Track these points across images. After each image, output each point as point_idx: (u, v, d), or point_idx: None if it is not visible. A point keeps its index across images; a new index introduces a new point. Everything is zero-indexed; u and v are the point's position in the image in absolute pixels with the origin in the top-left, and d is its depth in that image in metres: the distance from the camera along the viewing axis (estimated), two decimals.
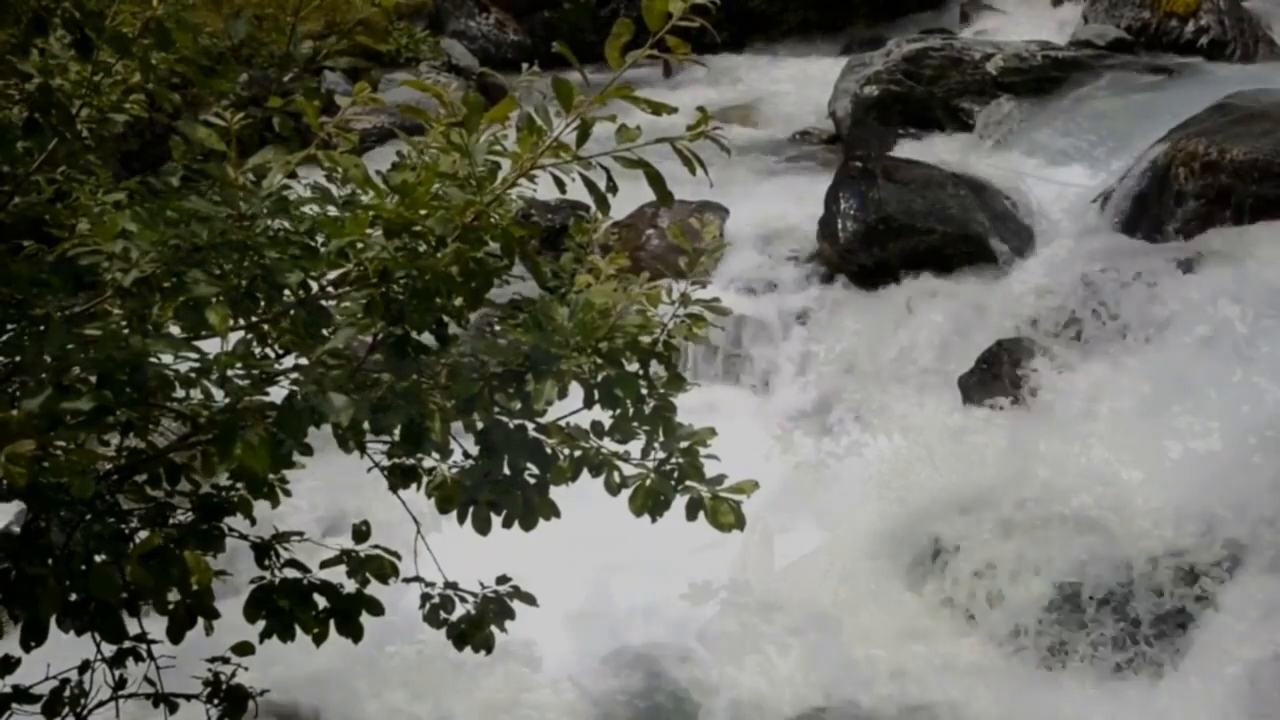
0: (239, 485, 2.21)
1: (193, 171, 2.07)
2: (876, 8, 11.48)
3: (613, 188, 1.93)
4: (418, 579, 2.38)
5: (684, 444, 2.09)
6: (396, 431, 1.97)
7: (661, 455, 2.11)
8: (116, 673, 2.48)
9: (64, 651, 2.26)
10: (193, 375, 1.85)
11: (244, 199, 1.91)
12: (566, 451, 2.10)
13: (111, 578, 2.01)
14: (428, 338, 2.00)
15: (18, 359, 1.80)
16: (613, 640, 4.69)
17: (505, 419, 2.05)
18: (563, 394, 2.02)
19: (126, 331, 1.83)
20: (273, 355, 2.03)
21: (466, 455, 2.15)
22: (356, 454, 2.13)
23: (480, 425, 2.05)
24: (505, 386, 2.01)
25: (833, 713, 4.36)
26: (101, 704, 2.47)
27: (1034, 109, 7.89)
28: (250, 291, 1.87)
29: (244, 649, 2.42)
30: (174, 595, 2.12)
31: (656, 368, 2.13)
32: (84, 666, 2.45)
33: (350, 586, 2.25)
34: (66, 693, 2.41)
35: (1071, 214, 6.63)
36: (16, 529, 2.17)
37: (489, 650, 2.35)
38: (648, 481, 2.09)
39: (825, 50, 10.77)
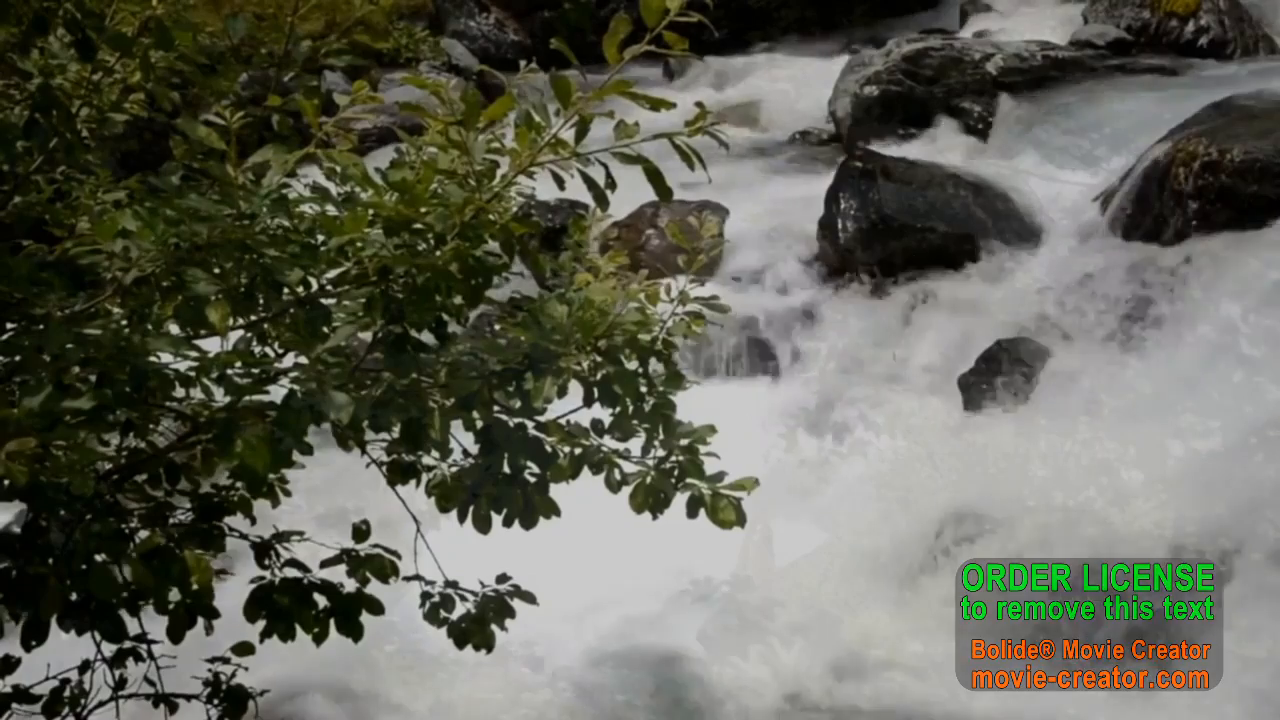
0: (239, 485, 2.21)
1: (192, 170, 2.07)
2: (876, 7, 11.48)
3: (611, 184, 1.93)
4: (418, 578, 2.38)
5: (684, 441, 2.09)
6: (396, 429, 1.97)
7: (661, 453, 2.11)
8: (116, 673, 2.48)
9: (64, 651, 2.25)
10: (192, 374, 1.85)
11: (243, 198, 1.91)
12: (566, 449, 2.10)
13: (111, 578, 2.01)
14: (427, 336, 2.00)
15: (18, 358, 1.80)
16: (613, 640, 4.69)
17: (505, 417, 2.05)
18: (562, 392, 2.02)
19: (126, 330, 1.82)
20: (272, 354, 2.03)
21: (466, 454, 2.15)
22: (356, 453, 2.13)
23: (480, 423, 2.05)
24: (504, 384, 2.01)
25: (832, 712, 4.36)
26: (101, 704, 2.47)
27: (1034, 109, 7.89)
28: (250, 290, 1.87)
29: (244, 649, 2.42)
30: (174, 595, 2.12)
31: (656, 365, 2.13)
32: (84, 666, 2.45)
33: (350, 585, 2.25)
34: (66, 693, 2.41)
35: (1071, 214, 6.63)
36: (16, 529, 2.17)
37: (489, 649, 2.35)
38: (648, 479, 2.09)
39: (825, 50, 10.74)
